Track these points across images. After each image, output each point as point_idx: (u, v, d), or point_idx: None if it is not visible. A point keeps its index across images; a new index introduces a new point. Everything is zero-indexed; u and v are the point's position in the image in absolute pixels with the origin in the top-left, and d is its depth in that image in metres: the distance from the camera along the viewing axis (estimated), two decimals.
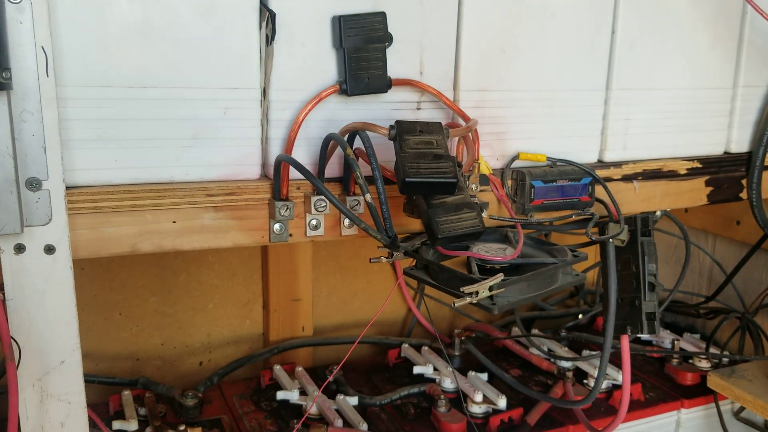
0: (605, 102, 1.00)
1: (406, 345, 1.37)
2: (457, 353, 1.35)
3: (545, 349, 1.35)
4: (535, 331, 1.45)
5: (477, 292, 0.77)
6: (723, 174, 1.12)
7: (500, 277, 0.78)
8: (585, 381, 1.27)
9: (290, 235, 0.82)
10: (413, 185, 0.73)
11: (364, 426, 1.08)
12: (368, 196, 0.73)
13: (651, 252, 0.93)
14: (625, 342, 0.94)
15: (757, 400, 1.11)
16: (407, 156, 0.74)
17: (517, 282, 0.81)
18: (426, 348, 1.36)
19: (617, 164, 1.02)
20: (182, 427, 1.04)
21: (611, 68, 0.99)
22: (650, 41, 1.00)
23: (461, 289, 0.77)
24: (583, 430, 1.13)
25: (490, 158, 0.93)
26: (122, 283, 1.24)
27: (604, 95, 0.99)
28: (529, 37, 0.92)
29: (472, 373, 1.25)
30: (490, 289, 0.78)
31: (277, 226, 0.81)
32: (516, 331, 1.44)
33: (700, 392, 1.26)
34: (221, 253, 1.30)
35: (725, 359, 1.31)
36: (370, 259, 0.90)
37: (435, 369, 1.29)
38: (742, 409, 1.28)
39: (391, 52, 0.82)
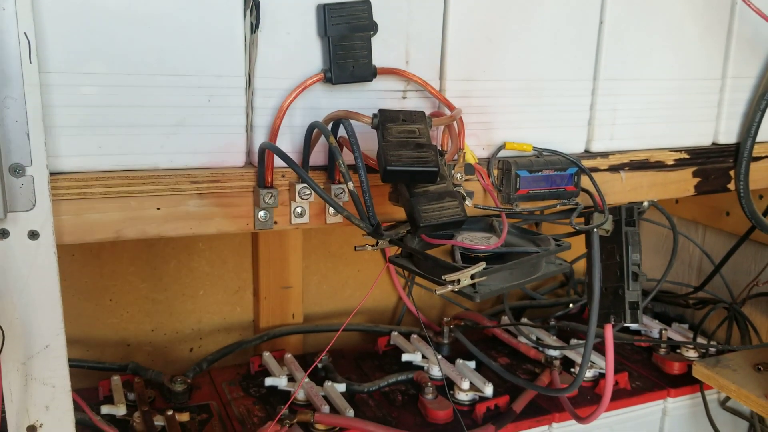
0: (592, 92, 1.00)
1: (396, 333, 1.38)
2: (446, 341, 1.36)
3: (534, 338, 1.36)
4: (524, 320, 1.46)
5: (459, 280, 0.78)
6: (711, 165, 1.12)
7: (482, 265, 0.78)
8: (572, 369, 1.28)
9: (275, 222, 0.83)
10: (395, 174, 0.74)
11: (351, 412, 1.09)
12: (351, 185, 0.74)
13: (635, 242, 0.93)
14: (609, 331, 0.95)
15: (741, 389, 1.12)
16: (389, 145, 0.74)
17: (500, 270, 0.81)
18: (415, 336, 1.37)
19: (604, 154, 1.02)
20: (170, 412, 1.05)
21: (599, 58, 0.99)
22: (638, 31, 1.00)
23: (443, 277, 0.78)
24: (568, 417, 1.14)
25: (476, 147, 0.94)
26: (112, 269, 1.25)
27: (592, 85, 0.99)
28: (516, 26, 0.92)
29: (459, 361, 1.26)
30: (472, 277, 0.78)
31: (261, 213, 0.81)
32: (505, 320, 1.45)
33: (687, 382, 1.27)
34: (212, 241, 1.30)
35: (712, 349, 1.32)
36: (355, 247, 0.91)
37: (423, 357, 1.30)
38: (728, 398, 1.29)
39: (376, 41, 0.82)
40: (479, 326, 1.42)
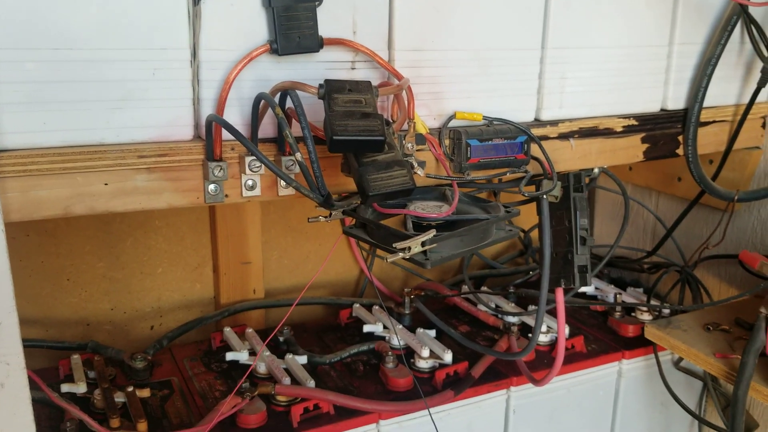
0: (541, 61, 1.01)
1: (357, 305, 1.39)
2: (407, 312, 1.38)
3: (493, 306, 1.39)
4: (484, 288, 1.48)
5: (409, 248, 0.79)
6: (659, 131, 1.14)
7: (432, 233, 0.80)
8: (530, 334, 1.30)
9: (226, 195, 0.83)
10: (341, 143, 0.74)
11: (312, 383, 1.10)
12: (298, 155, 0.74)
13: (583, 207, 0.95)
14: (559, 294, 0.97)
15: (690, 349, 1.15)
16: (335, 114, 0.75)
17: (450, 237, 0.83)
18: (377, 307, 1.38)
19: (554, 123, 1.04)
20: (130, 388, 1.05)
21: (546, 27, 1.00)
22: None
23: (393, 245, 0.79)
24: (525, 381, 1.17)
25: (427, 118, 0.95)
26: (69, 249, 1.24)
27: (540, 54, 1.01)
28: None
29: (420, 330, 1.28)
30: (423, 244, 0.80)
31: (211, 186, 0.81)
32: (466, 289, 1.47)
33: (641, 344, 1.30)
34: (168, 217, 1.30)
35: (665, 311, 1.35)
36: (309, 218, 0.91)
37: (385, 327, 1.31)
38: (681, 359, 1.33)
39: (322, 11, 0.82)
40: (440, 296, 1.44)
